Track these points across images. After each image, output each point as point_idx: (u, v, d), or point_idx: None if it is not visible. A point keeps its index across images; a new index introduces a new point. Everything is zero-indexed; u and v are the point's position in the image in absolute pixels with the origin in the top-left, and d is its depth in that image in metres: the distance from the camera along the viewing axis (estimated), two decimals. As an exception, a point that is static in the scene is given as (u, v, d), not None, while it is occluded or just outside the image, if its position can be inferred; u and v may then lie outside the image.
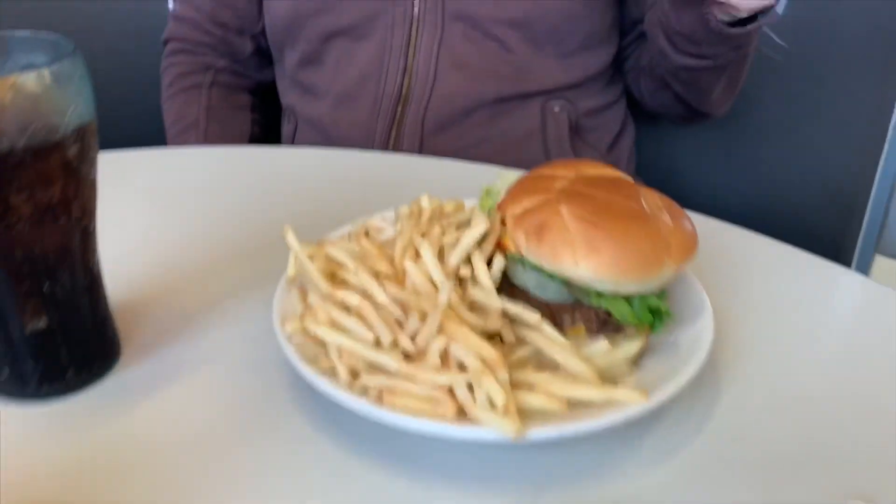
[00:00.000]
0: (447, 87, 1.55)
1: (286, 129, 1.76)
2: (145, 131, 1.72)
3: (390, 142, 1.59)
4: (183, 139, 1.72)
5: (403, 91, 1.55)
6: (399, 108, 1.56)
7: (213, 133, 1.71)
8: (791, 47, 1.63)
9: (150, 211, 1.29)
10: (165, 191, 1.37)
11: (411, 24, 1.53)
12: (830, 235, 1.78)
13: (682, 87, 1.61)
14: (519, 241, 0.88)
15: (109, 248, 0.91)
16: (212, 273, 1.12)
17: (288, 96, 1.75)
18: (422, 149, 1.57)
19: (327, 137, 1.65)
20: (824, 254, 1.17)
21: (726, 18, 1.36)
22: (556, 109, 1.57)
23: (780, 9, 1.34)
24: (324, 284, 0.87)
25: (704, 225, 1.00)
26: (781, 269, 1.17)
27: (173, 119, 1.76)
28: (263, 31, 1.76)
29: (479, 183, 1.05)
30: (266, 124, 1.86)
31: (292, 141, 1.75)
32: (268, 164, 1.48)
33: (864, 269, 1.77)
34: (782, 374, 0.94)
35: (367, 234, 1.00)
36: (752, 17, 1.36)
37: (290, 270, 0.93)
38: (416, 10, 1.52)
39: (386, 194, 1.11)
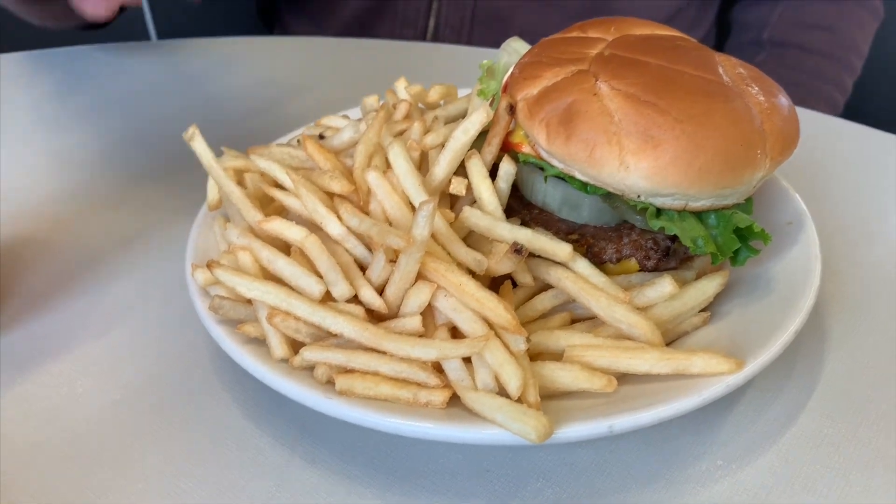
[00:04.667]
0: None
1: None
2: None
3: None
4: None
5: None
6: None
7: None
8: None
9: (65, 121, 1.01)
10: (85, 95, 1.08)
11: None
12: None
13: None
14: (537, 137, 0.59)
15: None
16: (133, 198, 0.85)
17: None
18: None
19: None
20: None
21: None
22: None
23: None
24: (251, 212, 0.60)
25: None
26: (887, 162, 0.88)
27: None
28: None
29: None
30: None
31: None
32: (231, 58, 1.18)
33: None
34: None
35: (321, 137, 0.72)
36: None
37: (211, 193, 0.66)
38: None
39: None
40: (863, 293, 0.69)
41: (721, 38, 1.46)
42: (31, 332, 0.67)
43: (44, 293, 0.72)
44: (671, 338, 0.57)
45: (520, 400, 0.49)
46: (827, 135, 0.94)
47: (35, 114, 1.04)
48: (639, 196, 0.56)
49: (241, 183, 0.67)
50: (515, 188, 0.65)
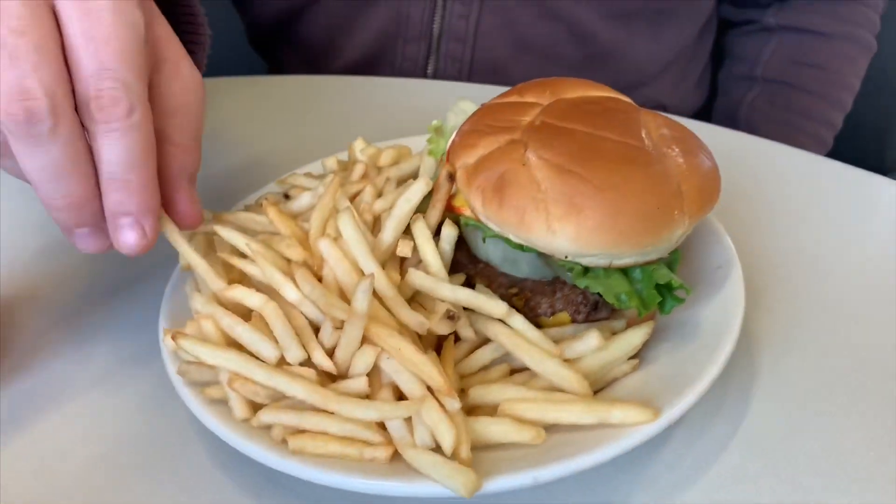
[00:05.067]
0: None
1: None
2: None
3: None
4: None
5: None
6: None
7: None
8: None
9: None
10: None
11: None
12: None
13: None
14: (474, 203, 0.64)
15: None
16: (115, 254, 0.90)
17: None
18: None
19: None
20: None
21: None
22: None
23: None
24: (215, 281, 0.65)
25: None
26: (829, 191, 0.92)
27: None
28: None
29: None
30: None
31: None
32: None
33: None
34: (837, 353, 0.71)
35: (286, 197, 0.77)
36: None
37: (183, 259, 0.71)
38: None
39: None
40: (795, 329, 0.73)
41: (716, 65, 1.49)
42: (23, 390, 0.73)
43: (33, 349, 0.77)
44: (601, 385, 0.62)
45: (455, 455, 0.54)
46: (805, 174, 0.97)
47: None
48: (566, 256, 0.61)
49: (211, 245, 0.72)
50: (464, 243, 0.70)
